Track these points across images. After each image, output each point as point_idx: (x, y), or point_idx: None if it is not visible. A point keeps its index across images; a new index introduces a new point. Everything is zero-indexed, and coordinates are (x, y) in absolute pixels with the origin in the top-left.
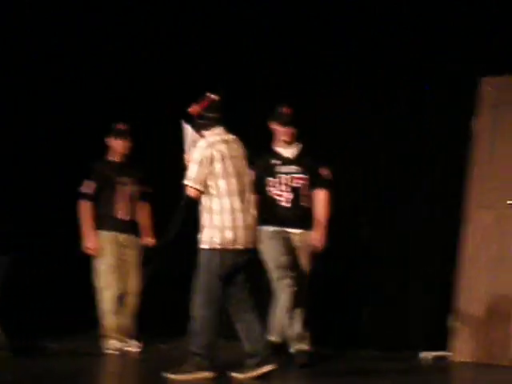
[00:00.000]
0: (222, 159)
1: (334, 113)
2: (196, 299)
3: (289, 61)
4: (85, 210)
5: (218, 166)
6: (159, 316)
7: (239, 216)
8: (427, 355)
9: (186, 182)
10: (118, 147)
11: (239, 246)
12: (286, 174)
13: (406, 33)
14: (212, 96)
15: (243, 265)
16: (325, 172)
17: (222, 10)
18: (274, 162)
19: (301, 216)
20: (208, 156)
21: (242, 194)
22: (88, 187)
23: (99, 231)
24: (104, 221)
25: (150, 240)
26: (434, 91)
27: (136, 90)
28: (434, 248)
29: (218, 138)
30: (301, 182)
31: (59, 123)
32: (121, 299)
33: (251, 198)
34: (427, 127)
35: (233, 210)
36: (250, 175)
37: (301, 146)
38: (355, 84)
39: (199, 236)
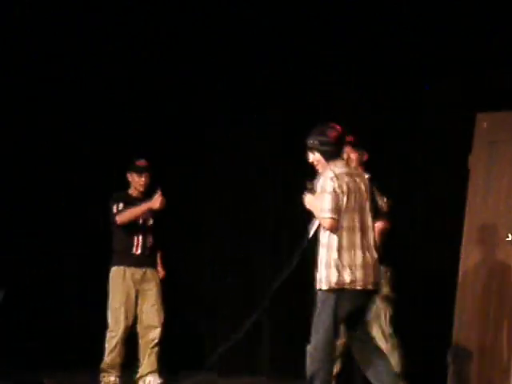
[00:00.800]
0: (348, 193)
1: None
2: (313, 341)
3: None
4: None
5: (343, 200)
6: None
7: (359, 254)
8: None
9: (322, 214)
10: (136, 184)
11: (358, 287)
12: None
13: (404, 70)
14: (338, 127)
15: (363, 307)
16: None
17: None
18: None
19: None
20: (337, 186)
21: (363, 231)
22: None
23: (115, 267)
24: (121, 256)
25: (161, 271)
26: (431, 125)
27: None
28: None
29: (342, 170)
30: None
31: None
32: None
33: (372, 235)
34: (426, 162)
35: (353, 248)
36: (371, 212)
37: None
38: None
39: (317, 275)
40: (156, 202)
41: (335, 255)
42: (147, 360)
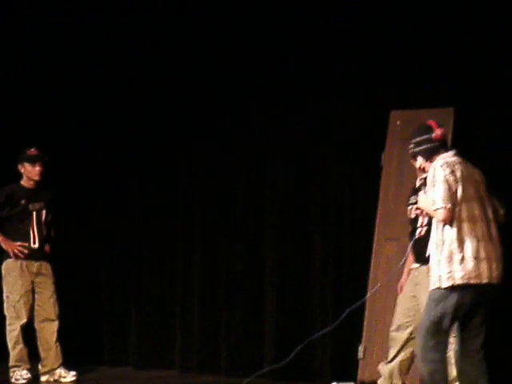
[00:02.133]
0: (462, 180)
1: None
2: (423, 342)
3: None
4: None
5: (458, 189)
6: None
7: (483, 246)
8: None
9: (434, 206)
10: (30, 174)
11: (483, 281)
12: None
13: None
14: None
15: (484, 304)
16: None
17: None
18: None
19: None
20: (449, 173)
21: (485, 221)
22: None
23: (9, 260)
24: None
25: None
26: (346, 123)
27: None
28: (344, 278)
29: (454, 158)
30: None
31: None
32: (33, 328)
33: (495, 226)
34: (339, 159)
35: (476, 239)
36: (493, 201)
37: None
38: None
39: (432, 274)
40: (9, 247)
41: (456, 249)
42: (53, 354)
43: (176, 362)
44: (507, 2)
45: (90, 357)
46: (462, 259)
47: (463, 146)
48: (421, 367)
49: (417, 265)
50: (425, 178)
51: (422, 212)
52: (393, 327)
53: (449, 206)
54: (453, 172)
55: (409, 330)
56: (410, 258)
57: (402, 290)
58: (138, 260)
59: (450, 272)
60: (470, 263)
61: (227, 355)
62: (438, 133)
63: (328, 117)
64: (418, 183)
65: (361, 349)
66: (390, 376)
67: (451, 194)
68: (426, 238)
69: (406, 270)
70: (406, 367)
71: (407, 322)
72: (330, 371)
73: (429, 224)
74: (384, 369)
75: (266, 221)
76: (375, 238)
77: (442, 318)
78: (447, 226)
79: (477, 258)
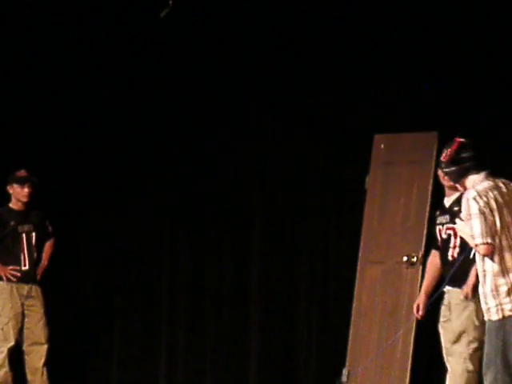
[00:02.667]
0: (498, 208)
1: None
2: (485, 378)
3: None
4: None
5: (496, 219)
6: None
7: None
8: None
9: (474, 241)
10: (19, 195)
11: None
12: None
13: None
14: (460, 139)
15: None
16: None
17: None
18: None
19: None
20: (483, 205)
21: None
22: None
23: (1, 282)
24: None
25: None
26: (330, 146)
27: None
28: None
29: (485, 184)
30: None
31: None
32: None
33: None
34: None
35: None
36: None
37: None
38: None
39: (483, 305)
40: (1, 272)
41: (501, 280)
42: (39, 378)
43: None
44: (493, 29)
45: (75, 378)
46: (509, 291)
47: None
48: None
49: (448, 287)
50: (457, 199)
51: (455, 233)
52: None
53: (488, 240)
54: (487, 203)
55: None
56: (430, 277)
57: (418, 310)
58: (124, 274)
59: (499, 305)
60: None
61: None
62: (450, 152)
63: (312, 140)
64: (447, 203)
65: (345, 372)
66: None
67: (489, 228)
68: (457, 260)
69: (423, 290)
70: None
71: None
72: None
73: (461, 245)
74: None
75: (252, 238)
76: (359, 260)
77: (504, 348)
78: (494, 256)
79: None
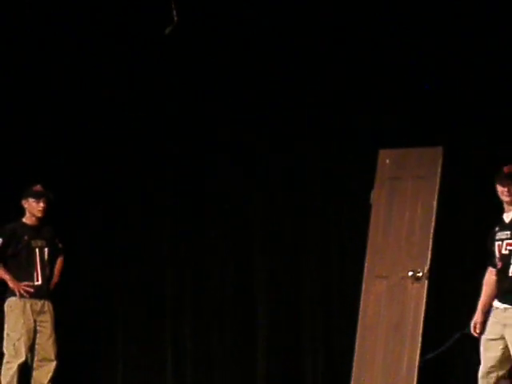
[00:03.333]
0: None
1: None
2: None
3: None
4: None
5: None
6: None
7: None
8: None
9: None
10: (34, 210)
11: None
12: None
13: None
14: None
15: None
16: None
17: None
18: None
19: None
20: None
21: None
22: None
23: (13, 298)
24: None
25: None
26: (335, 161)
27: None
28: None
29: None
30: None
31: None
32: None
33: None
34: (330, 194)
35: None
36: None
37: None
38: None
39: None
40: (16, 287)
41: None
42: None
43: None
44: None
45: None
46: None
47: (452, 185)
48: None
49: (506, 305)
50: None
51: None
52: (481, 373)
53: None
54: None
55: (493, 375)
56: (487, 295)
57: (476, 328)
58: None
59: None
60: None
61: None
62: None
63: (317, 155)
64: (507, 219)
65: None
66: None
67: None
68: None
69: (480, 308)
70: None
71: (493, 366)
72: None
73: None
74: None
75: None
76: (364, 275)
77: None
78: None
79: None
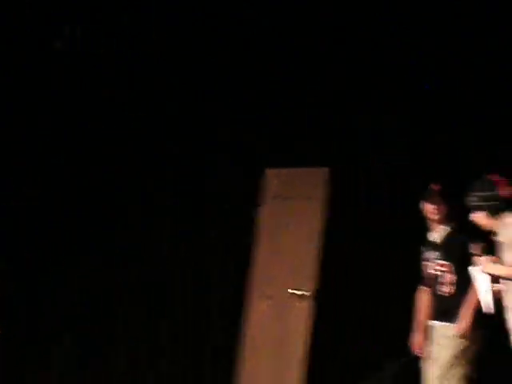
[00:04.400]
0: None
1: None
2: None
3: None
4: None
5: None
6: None
7: None
8: None
9: None
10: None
11: None
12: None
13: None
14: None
15: None
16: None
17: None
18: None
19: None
20: None
21: None
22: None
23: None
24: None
25: None
26: (217, 180)
27: None
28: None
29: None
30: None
31: None
32: None
33: None
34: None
35: None
36: None
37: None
38: None
39: None
40: None
41: None
42: None
43: None
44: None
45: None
46: None
47: (338, 205)
48: None
49: (439, 323)
50: (448, 234)
51: (449, 270)
52: None
53: None
54: None
55: None
56: (422, 314)
57: (417, 347)
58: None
59: None
60: None
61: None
62: (505, 192)
63: (202, 170)
64: (437, 239)
65: None
66: None
67: None
68: (454, 297)
69: (417, 327)
70: None
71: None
72: None
73: (458, 283)
74: None
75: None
76: (248, 295)
77: None
78: None
79: None
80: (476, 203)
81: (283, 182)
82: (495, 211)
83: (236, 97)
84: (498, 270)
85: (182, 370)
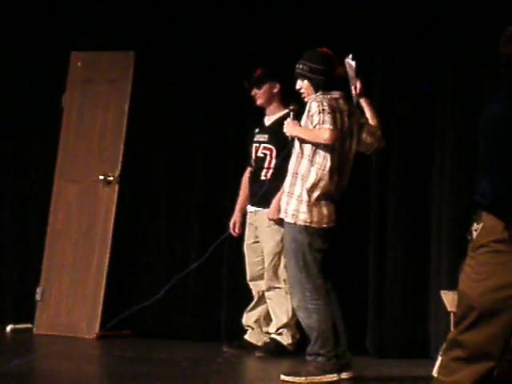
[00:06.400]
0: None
1: None
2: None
3: None
4: None
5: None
6: None
7: None
8: (11, 328)
9: (322, 126)
10: None
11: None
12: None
13: None
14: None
15: None
16: None
17: None
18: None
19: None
20: (332, 106)
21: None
22: None
23: None
24: None
25: None
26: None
27: None
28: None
29: (337, 95)
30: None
31: None
32: None
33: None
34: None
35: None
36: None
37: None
38: None
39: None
40: None
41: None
42: None
43: None
44: None
45: None
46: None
47: (143, 90)
48: None
49: (256, 208)
50: (279, 118)
51: (271, 153)
52: (249, 277)
53: (334, 128)
54: (331, 106)
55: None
56: (244, 195)
57: (235, 228)
58: None
59: None
60: None
61: None
62: (339, 71)
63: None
64: (267, 122)
65: (39, 291)
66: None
67: (335, 122)
68: (270, 181)
69: (237, 208)
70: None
71: (260, 269)
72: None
73: (276, 167)
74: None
75: None
76: (55, 179)
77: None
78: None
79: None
80: (301, 71)
81: (88, 65)
82: (317, 85)
83: None
84: (298, 130)
85: None
